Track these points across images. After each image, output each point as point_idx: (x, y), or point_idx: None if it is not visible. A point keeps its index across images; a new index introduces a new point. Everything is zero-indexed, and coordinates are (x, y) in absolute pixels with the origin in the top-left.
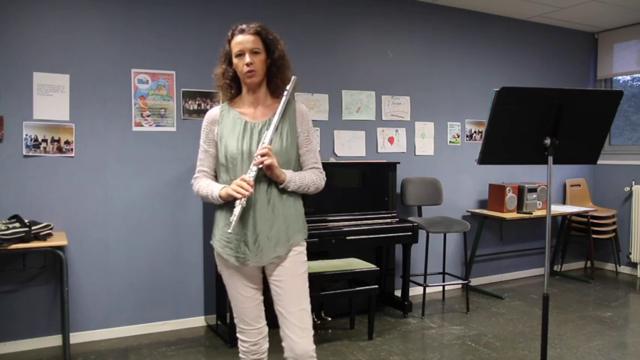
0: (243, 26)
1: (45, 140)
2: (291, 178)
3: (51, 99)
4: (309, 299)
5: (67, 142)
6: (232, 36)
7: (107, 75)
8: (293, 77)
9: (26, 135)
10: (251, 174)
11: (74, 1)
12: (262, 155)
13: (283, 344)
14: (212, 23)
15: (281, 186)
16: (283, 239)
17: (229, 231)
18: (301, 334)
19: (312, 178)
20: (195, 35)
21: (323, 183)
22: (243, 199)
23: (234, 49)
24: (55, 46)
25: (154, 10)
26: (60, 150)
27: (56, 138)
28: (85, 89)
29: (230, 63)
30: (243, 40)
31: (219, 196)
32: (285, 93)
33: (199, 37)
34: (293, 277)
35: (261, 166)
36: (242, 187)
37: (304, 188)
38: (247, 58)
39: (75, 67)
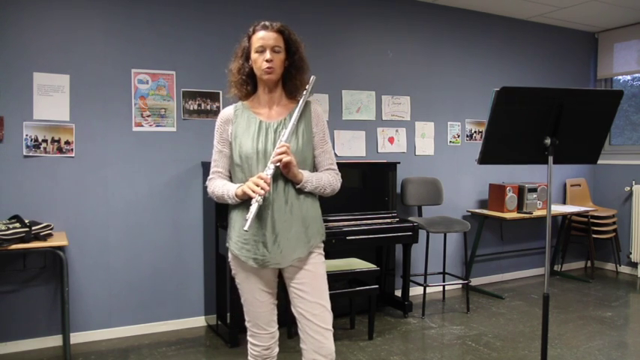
0: (267, 23)
1: (45, 140)
2: (309, 178)
3: (51, 99)
4: (329, 299)
5: (67, 143)
6: (254, 31)
7: (107, 75)
8: (312, 76)
9: (26, 135)
10: (268, 172)
11: (74, 1)
12: (280, 153)
13: (304, 346)
14: (212, 23)
15: (298, 186)
16: (303, 241)
17: (245, 229)
18: (326, 334)
19: (329, 180)
20: (195, 35)
21: (339, 185)
22: (259, 197)
23: (255, 45)
24: (55, 46)
25: (153, 10)
26: (60, 150)
27: (56, 138)
28: (85, 89)
29: (247, 59)
30: (265, 36)
31: (236, 195)
32: (305, 92)
33: (199, 37)
34: (315, 279)
35: (278, 164)
36: (258, 185)
37: (321, 189)
38: (268, 55)
39: (75, 67)
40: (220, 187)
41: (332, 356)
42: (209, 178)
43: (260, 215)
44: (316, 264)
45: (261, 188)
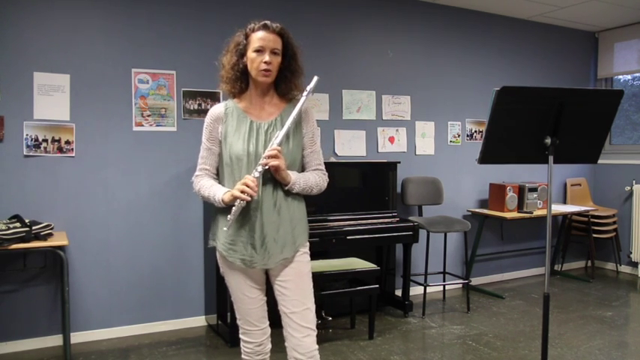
0: (267, 23)
1: (45, 140)
2: (297, 180)
3: (51, 99)
4: (313, 299)
5: (67, 142)
6: (253, 30)
7: (107, 75)
8: (315, 77)
9: (27, 135)
10: (255, 174)
11: (74, 1)
12: (270, 157)
13: (286, 344)
14: (212, 23)
15: (286, 188)
16: (290, 242)
17: (225, 228)
18: (305, 332)
19: (316, 180)
20: (195, 35)
21: (325, 185)
22: (243, 200)
23: (254, 44)
24: (55, 46)
25: (154, 10)
26: (60, 150)
27: (57, 138)
28: (85, 89)
29: (242, 56)
30: (265, 37)
31: (222, 201)
32: (305, 94)
33: (199, 37)
34: (298, 277)
35: (267, 167)
36: (247, 186)
37: (308, 190)
38: (267, 57)
39: (75, 67)
40: (207, 187)
41: (311, 354)
42: (196, 174)
43: (249, 217)
44: (301, 262)
45: (251, 189)
